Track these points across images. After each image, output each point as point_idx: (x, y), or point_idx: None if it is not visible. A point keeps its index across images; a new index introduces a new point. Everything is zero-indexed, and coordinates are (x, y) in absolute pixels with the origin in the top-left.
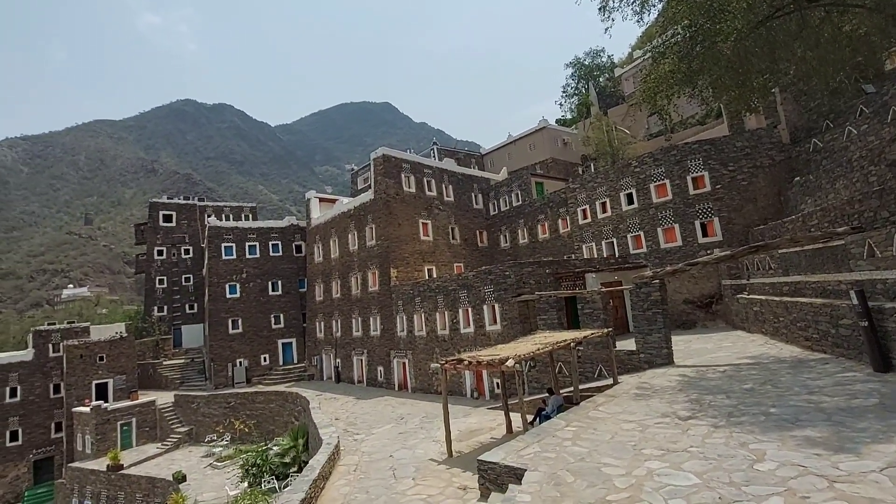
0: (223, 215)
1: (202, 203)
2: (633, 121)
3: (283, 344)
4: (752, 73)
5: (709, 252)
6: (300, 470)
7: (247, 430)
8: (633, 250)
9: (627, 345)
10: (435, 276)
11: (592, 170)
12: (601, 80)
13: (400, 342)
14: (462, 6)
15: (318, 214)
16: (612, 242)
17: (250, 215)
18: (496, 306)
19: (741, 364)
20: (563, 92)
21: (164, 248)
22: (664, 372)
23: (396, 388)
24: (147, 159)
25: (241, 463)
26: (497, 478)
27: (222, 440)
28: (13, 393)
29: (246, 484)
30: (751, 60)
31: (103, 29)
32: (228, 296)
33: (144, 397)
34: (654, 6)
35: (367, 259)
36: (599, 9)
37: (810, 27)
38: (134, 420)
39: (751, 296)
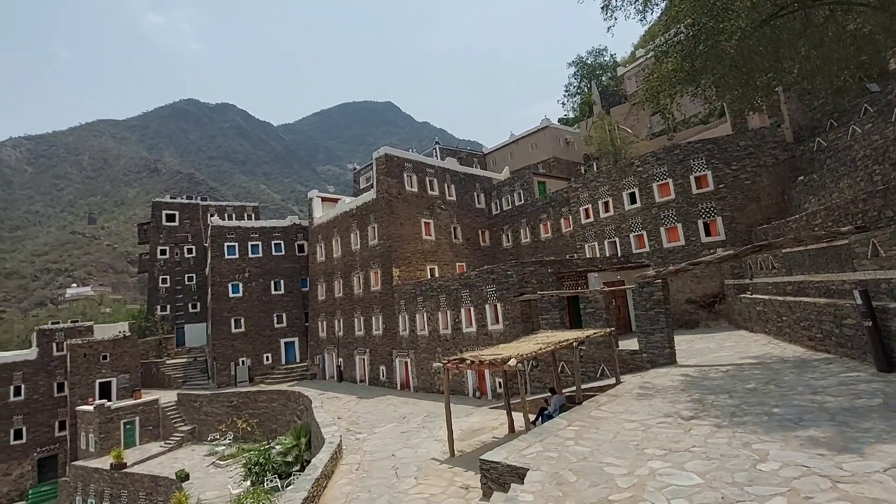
0: (226, 215)
1: (205, 202)
2: (635, 120)
3: (285, 343)
4: (756, 71)
5: (712, 251)
6: (302, 469)
7: (249, 429)
8: (636, 250)
9: (630, 344)
10: (437, 275)
11: (595, 169)
12: (603, 79)
13: (402, 341)
14: (464, 5)
15: (321, 214)
16: (615, 242)
17: (253, 215)
18: (498, 306)
19: (744, 364)
20: (566, 91)
21: (167, 248)
22: (667, 371)
23: (398, 388)
24: (150, 159)
25: (244, 462)
26: (499, 477)
27: (225, 439)
28: (17, 392)
29: (249, 483)
30: (754, 59)
31: (106, 29)
32: (231, 295)
33: (147, 396)
34: (657, 5)
35: (370, 258)
36: (602, 7)
37: (814, 26)
38: (137, 419)
39: (754, 295)
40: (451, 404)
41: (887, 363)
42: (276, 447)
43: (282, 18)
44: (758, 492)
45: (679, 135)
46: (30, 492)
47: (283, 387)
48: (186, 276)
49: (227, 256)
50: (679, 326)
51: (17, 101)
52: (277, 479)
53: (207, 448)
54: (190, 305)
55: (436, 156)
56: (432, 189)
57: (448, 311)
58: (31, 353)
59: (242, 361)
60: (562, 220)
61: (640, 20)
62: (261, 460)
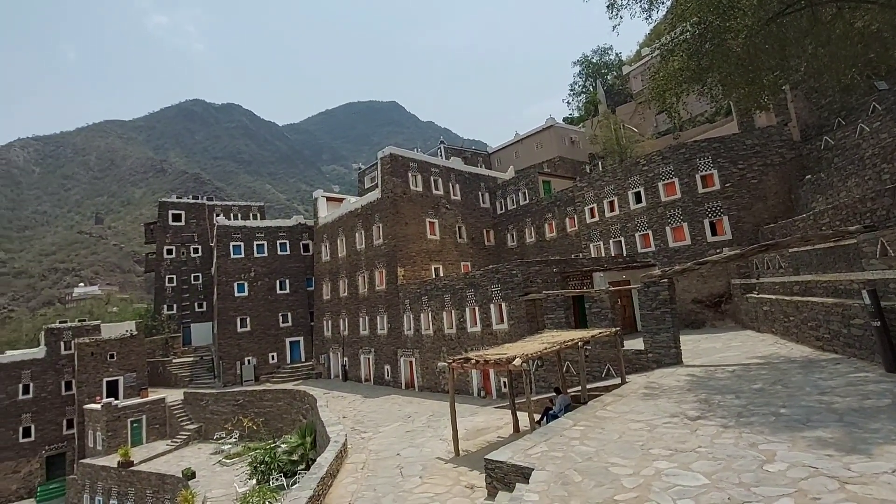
0: (231, 214)
1: (211, 202)
2: (641, 119)
3: (290, 342)
4: (763, 70)
5: (718, 251)
6: (308, 467)
7: (255, 427)
8: (642, 249)
9: (635, 344)
10: (442, 274)
11: (600, 168)
12: (609, 77)
13: (407, 341)
14: (468, 4)
15: (326, 213)
16: (620, 241)
17: (258, 214)
18: (503, 305)
19: (751, 364)
20: (571, 90)
21: (174, 247)
22: (672, 371)
23: (403, 387)
24: (156, 159)
25: (250, 460)
26: (504, 477)
27: (231, 437)
28: (26, 390)
29: (254, 481)
30: (761, 57)
31: (112, 30)
32: (237, 294)
33: (154, 395)
34: (663, 3)
35: (375, 258)
36: (608, 6)
37: (821, 23)
38: (144, 417)
39: (761, 295)
40: (456, 404)
41: None
42: (282, 446)
43: (286, 18)
44: (765, 493)
45: (685, 134)
46: (38, 489)
47: (289, 386)
48: (192, 275)
49: (232, 256)
50: (685, 326)
51: (25, 102)
52: (283, 478)
53: (213, 446)
54: (196, 305)
55: (441, 155)
56: (437, 189)
57: (453, 311)
58: (39, 352)
59: (248, 360)
60: (567, 219)
61: (646, 19)
62: (266, 459)
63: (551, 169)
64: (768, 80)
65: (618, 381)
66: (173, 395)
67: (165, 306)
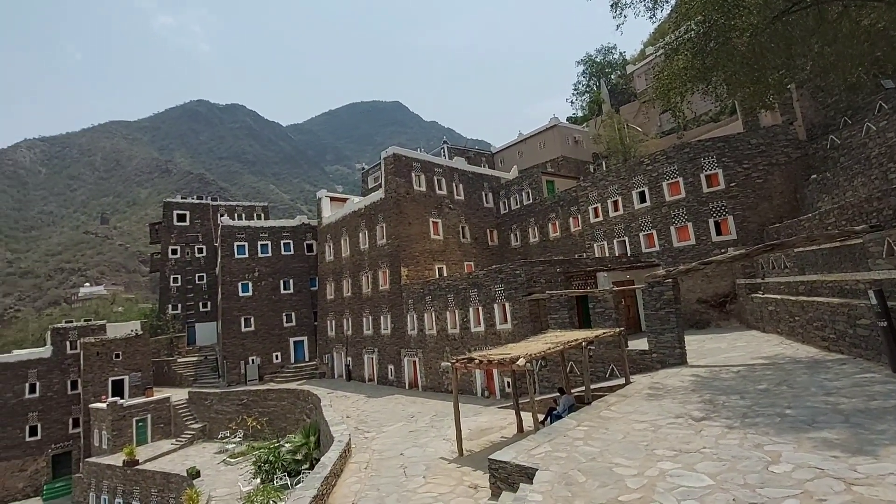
0: (236, 214)
1: (215, 202)
2: (645, 118)
3: (294, 342)
4: (768, 68)
5: (723, 251)
6: (312, 467)
7: (259, 426)
8: (646, 249)
9: (640, 344)
10: (445, 274)
11: (604, 168)
12: (613, 77)
13: (410, 341)
14: (470, 4)
15: (329, 213)
16: (624, 241)
17: (262, 214)
18: (507, 305)
19: (756, 364)
20: (575, 89)
21: (179, 247)
22: (677, 372)
23: (407, 387)
24: (161, 159)
25: (254, 459)
26: (508, 477)
27: (235, 437)
28: (32, 389)
29: (259, 480)
30: (766, 56)
31: (118, 31)
32: (241, 294)
33: (159, 394)
34: (667, 2)
35: (378, 258)
36: (611, 6)
37: (828, 22)
38: (149, 416)
39: (766, 295)
40: (460, 404)
41: None
42: (286, 445)
43: (291, 19)
44: (770, 494)
45: (689, 133)
46: (45, 488)
47: (293, 385)
48: (197, 275)
49: (237, 256)
50: (689, 326)
51: (31, 103)
52: (287, 477)
53: (218, 445)
54: (201, 304)
55: (444, 155)
56: (440, 188)
57: (456, 311)
58: (45, 352)
59: (252, 360)
60: (571, 219)
61: (650, 17)
62: (270, 458)
63: (555, 168)
64: (773, 78)
65: (622, 381)
66: (178, 395)
67: (170, 306)
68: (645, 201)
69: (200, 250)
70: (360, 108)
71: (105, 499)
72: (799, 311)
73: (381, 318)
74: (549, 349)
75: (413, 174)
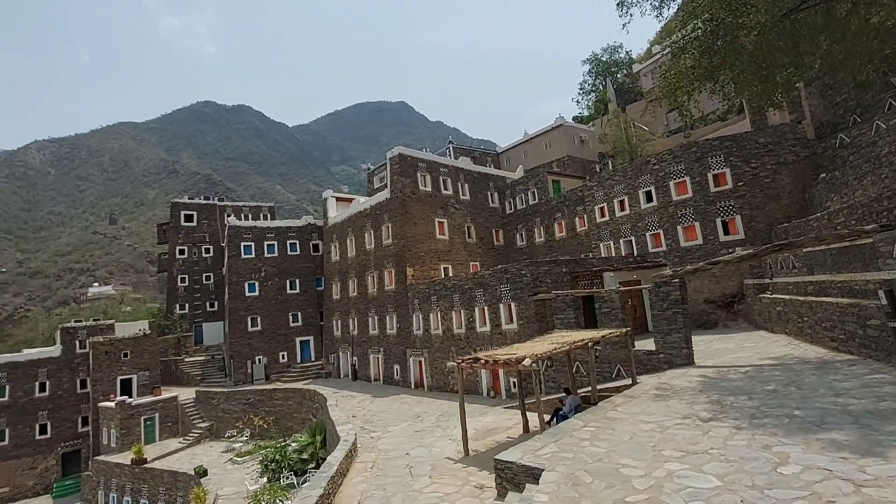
0: (242, 215)
1: (222, 203)
2: (652, 117)
3: (300, 342)
4: (776, 67)
5: (730, 250)
6: (318, 466)
7: (266, 426)
8: (652, 249)
9: (646, 345)
10: (451, 274)
11: (610, 167)
12: (619, 76)
13: (416, 340)
14: (475, 3)
15: (335, 214)
16: (631, 241)
17: (268, 215)
18: (512, 305)
19: (764, 365)
20: (580, 89)
21: (186, 248)
22: (684, 372)
23: (412, 387)
24: (169, 160)
25: (261, 458)
26: (514, 477)
27: (242, 436)
28: (42, 388)
29: (265, 479)
30: (774, 54)
31: (125, 33)
32: (248, 294)
33: (167, 393)
34: (674, 0)
35: (384, 258)
36: (618, 4)
37: (836, 20)
38: (157, 415)
39: (774, 295)
40: (466, 404)
41: None
42: (292, 444)
43: (296, 20)
44: (778, 495)
45: (696, 132)
46: (54, 485)
47: (299, 385)
48: (204, 275)
49: (243, 256)
50: (697, 327)
51: (40, 105)
52: (293, 476)
53: (225, 444)
54: (208, 304)
55: (449, 155)
56: (446, 188)
57: (462, 311)
58: (55, 351)
59: (259, 359)
60: (577, 218)
61: (657, 16)
62: (277, 457)
63: (561, 168)
64: (782, 77)
65: (628, 381)
66: (185, 394)
67: (178, 306)
68: (651, 201)
69: (207, 250)
70: (365, 109)
71: (114, 497)
72: (808, 312)
73: (387, 317)
74: (555, 349)
75: (418, 174)
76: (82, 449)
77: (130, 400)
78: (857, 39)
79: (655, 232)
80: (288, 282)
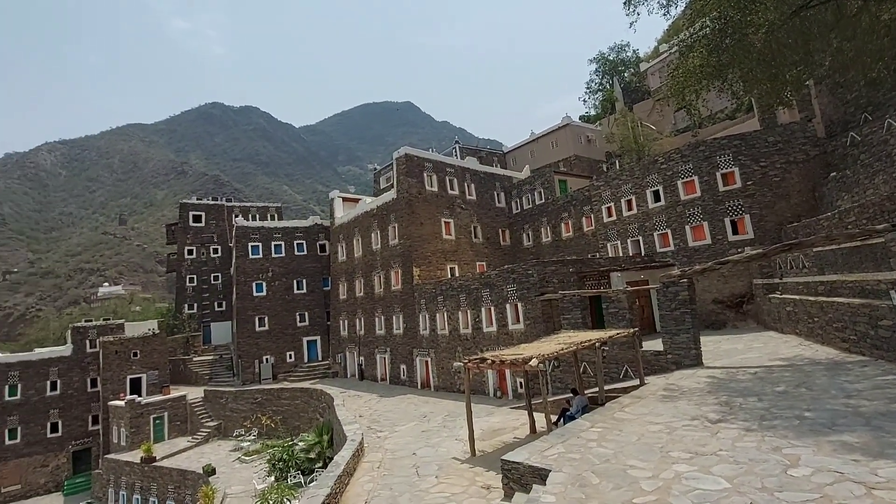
0: (250, 215)
1: (230, 203)
2: (659, 116)
3: (307, 341)
4: (785, 65)
5: (739, 250)
6: (325, 465)
7: (273, 425)
8: (660, 248)
9: (654, 345)
10: (457, 274)
11: (617, 167)
12: (626, 75)
13: (422, 340)
14: (481, 3)
15: (342, 214)
16: (638, 241)
17: (276, 215)
18: (519, 305)
19: (773, 366)
20: (587, 88)
21: (194, 248)
22: (692, 373)
23: (419, 387)
24: (177, 161)
25: (268, 458)
26: (521, 478)
27: (250, 435)
28: (53, 387)
29: (273, 478)
30: (783, 52)
31: (134, 35)
32: (255, 294)
33: (176, 392)
34: None
35: (390, 258)
36: (625, 3)
37: (846, 17)
38: (166, 414)
39: (784, 295)
40: (472, 404)
41: None
42: (300, 444)
43: (302, 21)
44: (788, 498)
45: (704, 131)
46: (65, 483)
47: (306, 384)
48: (212, 275)
49: (251, 256)
50: (705, 327)
51: (51, 107)
52: (301, 475)
53: (233, 443)
54: (216, 304)
55: (456, 155)
56: (452, 188)
57: (468, 311)
58: (66, 350)
59: (266, 359)
60: (583, 218)
61: (664, 15)
62: (284, 456)
63: (567, 168)
64: (791, 75)
65: (636, 382)
66: (194, 393)
67: (186, 305)
68: (659, 200)
69: (215, 250)
70: (372, 109)
71: (123, 494)
72: (818, 312)
73: (394, 317)
74: (562, 350)
75: (425, 174)
76: (93, 447)
77: (140, 399)
78: (868, 37)
79: (663, 231)
80: (295, 282)
